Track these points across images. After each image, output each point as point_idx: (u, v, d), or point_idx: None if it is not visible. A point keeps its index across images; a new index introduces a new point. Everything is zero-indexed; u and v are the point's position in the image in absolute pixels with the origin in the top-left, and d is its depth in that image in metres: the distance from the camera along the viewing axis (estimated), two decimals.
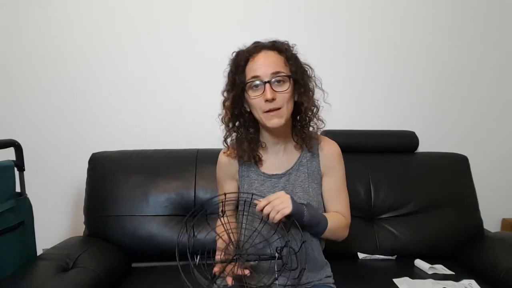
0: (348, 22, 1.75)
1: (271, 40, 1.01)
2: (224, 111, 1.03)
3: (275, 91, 0.93)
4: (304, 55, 1.06)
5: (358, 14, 1.75)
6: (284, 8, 1.72)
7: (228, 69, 1.02)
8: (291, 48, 1.01)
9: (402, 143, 1.65)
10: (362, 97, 1.79)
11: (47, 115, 1.70)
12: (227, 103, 1.02)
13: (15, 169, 1.24)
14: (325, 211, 1.09)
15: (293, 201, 0.91)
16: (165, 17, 1.70)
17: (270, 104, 0.93)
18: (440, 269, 1.34)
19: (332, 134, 1.51)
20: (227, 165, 1.09)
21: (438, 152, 1.67)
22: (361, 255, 1.45)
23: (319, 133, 1.07)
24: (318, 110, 1.03)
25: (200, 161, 1.50)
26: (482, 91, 1.83)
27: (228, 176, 1.10)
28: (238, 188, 1.10)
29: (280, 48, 0.98)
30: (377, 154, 1.61)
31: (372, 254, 1.45)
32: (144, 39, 1.70)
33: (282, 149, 1.06)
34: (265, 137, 1.05)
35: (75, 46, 1.69)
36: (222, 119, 1.05)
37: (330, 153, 1.08)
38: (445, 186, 1.55)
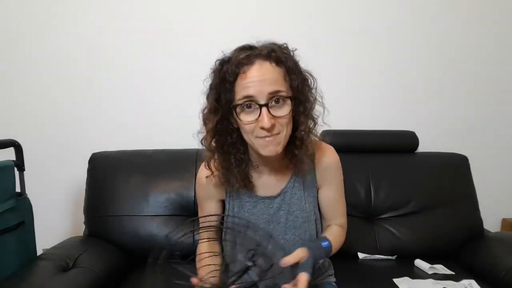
0: (348, 21, 1.75)
1: (267, 44, 0.82)
2: (206, 132, 0.86)
3: (273, 116, 0.77)
4: (302, 55, 0.97)
5: (358, 14, 1.75)
6: (281, 6, 1.72)
7: (210, 82, 0.83)
8: (292, 54, 0.83)
9: (402, 143, 1.65)
10: (362, 97, 1.79)
11: (47, 115, 1.70)
12: (210, 125, 0.84)
13: (15, 169, 1.24)
14: (321, 219, 1.02)
15: (310, 262, 0.79)
16: (165, 17, 1.70)
17: (267, 131, 0.77)
18: (440, 269, 1.34)
19: (332, 134, 1.51)
20: (210, 186, 0.95)
21: (438, 152, 1.66)
22: (361, 255, 1.44)
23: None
24: (315, 125, 0.88)
25: (200, 161, 1.50)
26: (482, 91, 1.82)
27: (210, 197, 0.98)
28: (224, 209, 0.97)
29: (279, 58, 0.79)
30: (377, 154, 1.60)
31: (372, 254, 1.45)
32: (143, 39, 1.70)
33: (274, 168, 0.93)
34: (255, 157, 0.91)
35: (75, 46, 1.68)
36: (202, 141, 0.88)
37: (328, 165, 0.95)
38: (445, 186, 1.55)
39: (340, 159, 1.02)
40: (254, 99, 0.77)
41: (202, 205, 1.01)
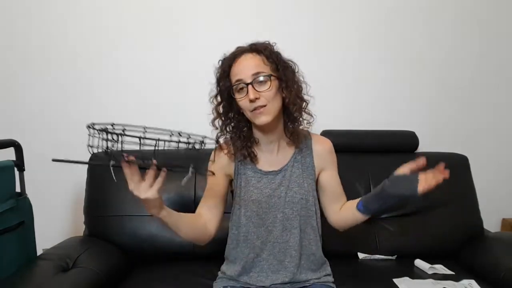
0: (348, 21, 1.75)
1: (251, 42, 1.04)
2: (215, 115, 1.07)
3: (257, 91, 0.97)
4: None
5: (358, 13, 1.75)
6: (282, 7, 1.71)
7: (215, 77, 1.06)
8: (271, 47, 1.04)
9: (402, 143, 1.65)
10: (362, 97, 1.79)
11: (47, 115, 1.70)
12: (217, 108, 1.07)
13: (15, 169, 1.24)
14: (321, 202, 1.14)
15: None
16: (165, 17, 1.70)
17: (255, 103, 0.97)
18: (440, 269, 1.34)
19: (332, 134, 1.52)
20: (220, 160, 1.10)
21: (438, 152, 1.67)
22: (361, 255, 1.45)
23: (310, 127, 1.10)
24: (307, 105, 1.06)
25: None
26: (482, 91, 1.83)
27: (220, 167, 1.09)
28: (232, 186, 1.12)
29: (259, 49, 1.01)
30: (377, 154, 1.60)
31: (372, 254, 1.45)
32: (143, 39, 1.70)
33: (276, 146, 1.09)
34: (258, 135, 1.08)
35: (75, 46, 1.68)
36: (212, 122, 1.08)
37: (325, 150, 1.12)
38: (445, 186, 1.53)
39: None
40: (242, 81, 0.98)
41: (209, 181, 1.11)
